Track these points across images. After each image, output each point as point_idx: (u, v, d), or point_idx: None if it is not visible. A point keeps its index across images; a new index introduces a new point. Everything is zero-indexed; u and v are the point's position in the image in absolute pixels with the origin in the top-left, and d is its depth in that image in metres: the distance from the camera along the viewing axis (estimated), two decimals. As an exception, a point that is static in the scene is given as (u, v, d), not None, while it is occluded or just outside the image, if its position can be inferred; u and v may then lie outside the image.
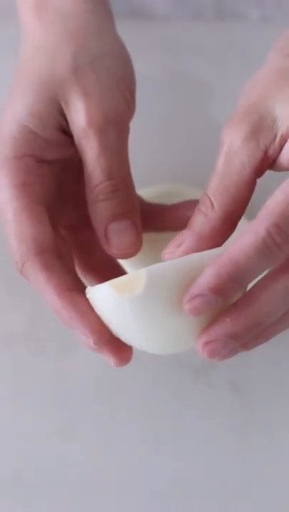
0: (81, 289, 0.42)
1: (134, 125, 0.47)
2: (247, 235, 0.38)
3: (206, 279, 0.38)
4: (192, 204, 0.45)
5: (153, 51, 0.66)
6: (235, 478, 0.50)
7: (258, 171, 0.40)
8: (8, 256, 0.46)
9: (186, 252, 0.41)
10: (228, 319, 0.39)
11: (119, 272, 0.49)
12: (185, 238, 0.41)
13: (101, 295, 0.40)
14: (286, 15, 0.67)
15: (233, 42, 0.66)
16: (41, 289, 0.42)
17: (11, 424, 0.52)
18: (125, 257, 0.45)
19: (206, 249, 0.41)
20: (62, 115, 0.44)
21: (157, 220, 0.48)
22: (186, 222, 0.42)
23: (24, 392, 0.53)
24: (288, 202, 0.37)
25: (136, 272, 0.40)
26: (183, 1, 0.67)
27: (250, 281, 0.39)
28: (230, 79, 0.61)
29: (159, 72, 0.65)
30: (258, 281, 0.40)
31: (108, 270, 0.48)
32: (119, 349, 0.42)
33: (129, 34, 0.51)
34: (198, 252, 0.40)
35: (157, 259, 0.44)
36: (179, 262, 0.40)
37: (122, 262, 0.50)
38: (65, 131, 0.45)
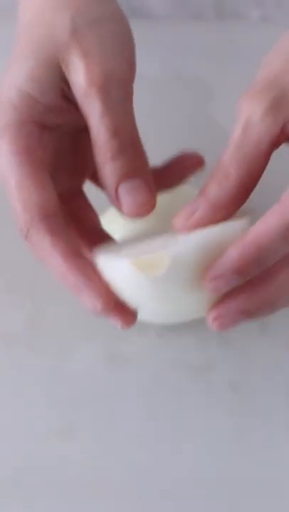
0: (84, 254, 0.43)
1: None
2: (272, 217, 0.38)
3: (230, 260, 0.39)
4: (189, 154, 0.47)
5: (153, 51, 0.66)
6: (234, 479, 0.50)
7: (275, 145, 0.41)
8: (7, 254, 0.46)
9: (200, 222, 0.41)
10: (242, 295, 0.40)
11: (109, 241, 0.49)
12: (199, 206, 0.41)
13: (116, 267, 0.41)
14: (286, 15, 0.67)
15: (233, 42, 0.66)
16: (46, 255, 0.42)
17: (11, 424, 0.52)
18: (138, 216, 0.44)
19: (219, 219, 0.41)
20: (63, 79, 0.43)
21: (164, 178, 0.48)
22: (189, 172, 0.44)
23: (24, 392, 0.53)
24: None
25: (158, 254, 0.40)
26: (183, 1, 0.67)
27: (272, 262, 0.40)
28: (230, 79, 0.61)
29: (159, 72, 0.65)
30: (276, 262, 0.40)
31: (97, 240, 0.48)
32: (125, 311, 0.42)
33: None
34: (211, 221, 0.41)
35: (157, 226, 0.44)
36: (201, 239, 0.40)
37: (112, 232, 0.50)
38: (66, 96, 0.44)
